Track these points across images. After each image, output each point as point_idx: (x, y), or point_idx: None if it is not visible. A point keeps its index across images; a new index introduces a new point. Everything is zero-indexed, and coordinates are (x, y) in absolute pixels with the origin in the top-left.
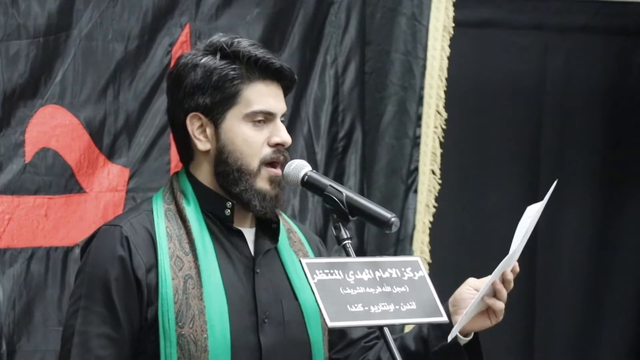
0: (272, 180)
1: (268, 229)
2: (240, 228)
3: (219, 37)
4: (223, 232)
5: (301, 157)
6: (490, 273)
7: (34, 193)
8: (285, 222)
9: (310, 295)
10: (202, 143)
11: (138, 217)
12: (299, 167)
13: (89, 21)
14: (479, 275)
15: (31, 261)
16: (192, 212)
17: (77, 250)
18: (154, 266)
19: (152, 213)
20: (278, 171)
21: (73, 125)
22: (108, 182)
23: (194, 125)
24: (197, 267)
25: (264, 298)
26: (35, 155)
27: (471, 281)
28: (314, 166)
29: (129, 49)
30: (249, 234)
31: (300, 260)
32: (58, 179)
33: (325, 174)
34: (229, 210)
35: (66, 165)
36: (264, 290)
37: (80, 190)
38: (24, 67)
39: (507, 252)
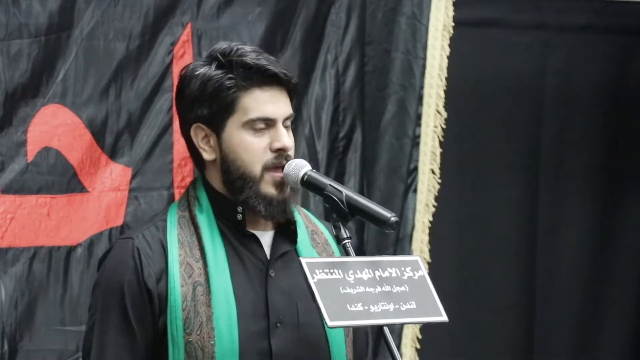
0: (277, 184)
1: (288, 231)
2: (255, 231)
3: (219, 46)
4: (237, 236)
5: (303, 157)
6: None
7: (36, 192)
8: (310, 223)
9: None
10: (208, 153)
11: (151, 227)
12: (299, 167)
13: (90, 20)
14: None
15: (33, 260)
16: (204, 218)
17: (80, 250)
18: (164, 275)
19: (166, 221)
20: (281, 174)
21: (75, 125)
22: (110, 181)
23: (198, 135)
24: (207, 274)
25: (277, 301)
26: (38, 154)
27: None
28: (315, 166)
29: (131, 48)
30: (267, 237)
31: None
32: (60, 178)
33: (326, 173)
34: (240, 215)
35: (68, 165)
36: (278, 293)
37: (82, 189)
38: (25, 66)
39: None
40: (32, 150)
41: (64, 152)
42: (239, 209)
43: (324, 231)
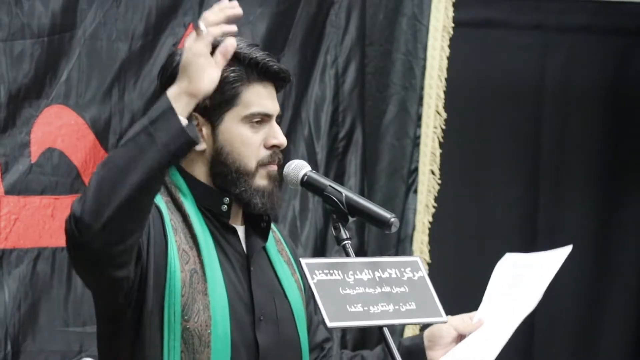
0: (270, 176)
1: (258, 227)
2: (233, 224)
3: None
4: (218, 228)
5: (302, 158)
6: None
7: (40, 193)
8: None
9: (297, 295)
10: (199, 143)
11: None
12: (299, 167)
13: (93, 21)
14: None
15: (37, 261)
16: (190, 206)
17: None
18: (164, 256)
19: (157, 204)
20: (274, 167)
21: (78, 125)
22: None
23: None
24: (202, 262)
25: (259, 296)
26: (41, 155)
27: (451, 320)
28: (315, 166)
29: (134, 48)
30: (241, 231)
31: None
32: (64, 179)
33: (326, 174)
34: (225, 206)
35: (72, 165)
36: (259, 289)
37: None
38: (28, 66)
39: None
40: (35, 151)
41: (68, 152)
42: (226, 199)
43: (275, 229)
